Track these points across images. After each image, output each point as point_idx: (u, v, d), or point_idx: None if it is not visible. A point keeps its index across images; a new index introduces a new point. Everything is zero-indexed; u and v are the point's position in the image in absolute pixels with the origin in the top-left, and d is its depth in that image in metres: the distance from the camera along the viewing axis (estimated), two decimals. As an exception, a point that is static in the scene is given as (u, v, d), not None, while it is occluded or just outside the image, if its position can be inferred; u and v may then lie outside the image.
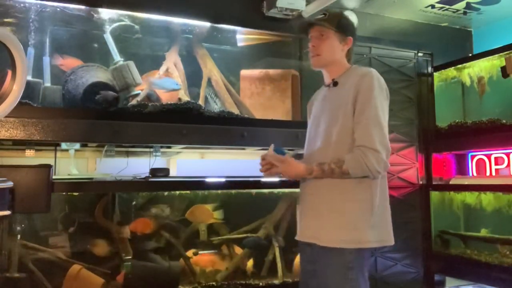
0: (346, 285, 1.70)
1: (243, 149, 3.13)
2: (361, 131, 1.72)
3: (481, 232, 3.45)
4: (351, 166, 1.70)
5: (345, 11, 3.69)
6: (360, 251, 1.72)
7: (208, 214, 2.80)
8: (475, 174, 3.63)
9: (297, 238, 1.94)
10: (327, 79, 1.95)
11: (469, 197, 3.42)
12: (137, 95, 2.73)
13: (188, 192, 2.84)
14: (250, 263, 2.89)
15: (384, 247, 1.87)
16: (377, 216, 1.75)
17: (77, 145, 2.61)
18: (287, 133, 2.81)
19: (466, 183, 3.48)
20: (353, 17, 3.68)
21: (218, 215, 2.83)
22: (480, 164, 3.60)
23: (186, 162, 3.20)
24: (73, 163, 2.73)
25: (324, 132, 1.85)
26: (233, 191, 2.90)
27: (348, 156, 1.72)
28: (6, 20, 2.55)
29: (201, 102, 2.97)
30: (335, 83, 1.89)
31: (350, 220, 1.73)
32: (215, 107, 3.05)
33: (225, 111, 2.82)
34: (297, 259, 2.95)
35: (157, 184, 2.64)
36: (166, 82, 2.78)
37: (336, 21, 1.89)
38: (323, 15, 1.90)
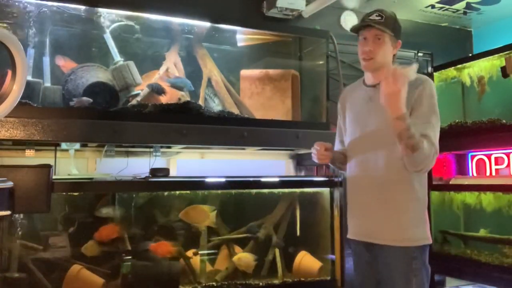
0: (410, 274, 1.76)
1: (243, 149, 3.13)
2: (428, 134, 1.74)
3: (480, 232, 3.45)
4: (424, 148, 1.70)
5: (345, 11, 3.71)
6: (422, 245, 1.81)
7: (204, 215, 2.79)
8: (475, 174, 3.63)
9: (350, 237, 1.97)
10: (371, 80, 1.94)
11: (469, 197, 3.41)
12: (137, 95, 2.73)
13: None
14: (245, 256, 2.87)
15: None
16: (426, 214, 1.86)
17: (77, 145, 2.61)
18: (287, 133, 2.81)
19: (466, 183, 3.47)
20: (352, 17, 3.71)
21: (214, 216, 2.81)
22: (480, 164, 3.60)
23: (186, 162, 3.20)
24: (73, 163, 2.73)
25: (376, 133, 1.86)
26: (233, 191, 2.90)
27: (425, 141, 1.72)
28: (6, 20, 2.55)
29: (201, 102, 2.97)
30: None
31: (413, 218, 1.81)
32: (213, 105, 3.04)
33: (225, 111, 2.82)
34: (297, 259, 2.96)
35: (157, 184, 2.64)
36: (181, 82, 2.79)
37: (391, 25, 1.88)
38: (379, 17, 1.87)
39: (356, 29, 1.93)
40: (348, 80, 3.15)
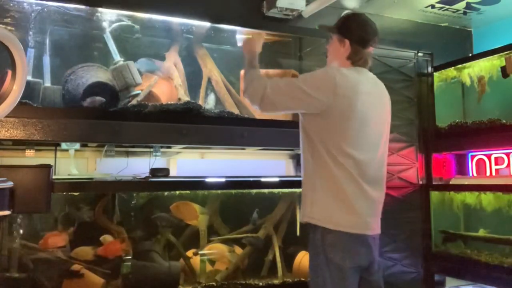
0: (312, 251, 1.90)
1: (243, 149, 3.13)
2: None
3: (479, 232, 3.45)
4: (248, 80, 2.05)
5: (346, 12, 3.71)
6: (320, 230, 1.86)
7: (193, 214, 2.78)
8: (475, 174, 3.63)
9: None
10: None
11: (469, 197, 3.41)
12: (137, 95, 2.73)
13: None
14: (218, 246, 2.85)
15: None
16: (318, 196, 1.89)
17: (77, 145, 2.61)
18: (287, 133, 2.81)
19: (466, 183, 3.48)
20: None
21: (202, 219, 2.81)
22: (480, 164, 3.60)
23: (186, 162, 3.20)
24: (73, 163, 2.73)
25: None
26: (233, 191, 2.90)
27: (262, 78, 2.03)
28: (6, 20, 2.55)
29: (201, 102, 2.97)
30: None
31: (302, 195, 1.98)
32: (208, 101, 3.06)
33: (225, 111, 2.82)
34: (297, 259, 2.96)
35: (157, 184, 2.64)
36: (147, 65, 2.79)
37: (338, 25, 2.01)
38: (335, 23, 2.06)
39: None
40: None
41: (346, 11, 2.08)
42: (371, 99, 1.93)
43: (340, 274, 1.81)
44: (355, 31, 1.96)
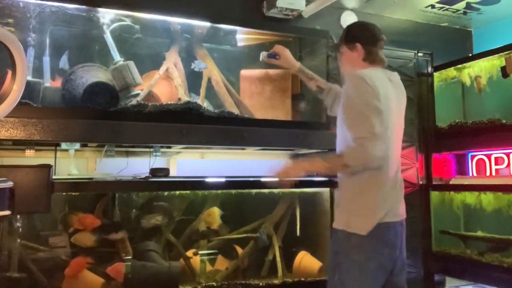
0: (331, 264, 1.93)
1: (243, 149, 3.13)
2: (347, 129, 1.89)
3: (478, 233, 3.45)
4: (334, 163, 1.93)
5: (345, 11, 3.71)
6: (348, 235, 1.86)
7: (215, 218, 2.81)
8: (475, 174, 3.63)
9: None
10: None
11: (469, 197, 3.41)
12: (137, 95, 2.73)
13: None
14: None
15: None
16: (356, 205, 1.90)
17: (77, 145, 2.61)
18: (287, 133, 2.81)
19: (466, 183, 3.48)
20: (352, 17, 3.71)
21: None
22: (480, 164, 3.60)
23: (186, 162, 3.20)
24: (73, 163, 2.73)
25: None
26: (233, 191, 2.90)
27: (331, 157, 1.99)
28: (6, 20, 2.55)
29: (201, 102, 2.97)
30: None
31: (341, 205, 1.98)
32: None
33: (225, 111, 2.82)
34: (297, 259, 2.96)
35: (157, 184, 2.64)
36: None
37: (343, 35, 2.08)
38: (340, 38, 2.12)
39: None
40: (348, 80, 3.14)
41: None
42: (394, 92, 1.97)
43: (361, 274, 1.81)
44: (362, 33, 2.03)
